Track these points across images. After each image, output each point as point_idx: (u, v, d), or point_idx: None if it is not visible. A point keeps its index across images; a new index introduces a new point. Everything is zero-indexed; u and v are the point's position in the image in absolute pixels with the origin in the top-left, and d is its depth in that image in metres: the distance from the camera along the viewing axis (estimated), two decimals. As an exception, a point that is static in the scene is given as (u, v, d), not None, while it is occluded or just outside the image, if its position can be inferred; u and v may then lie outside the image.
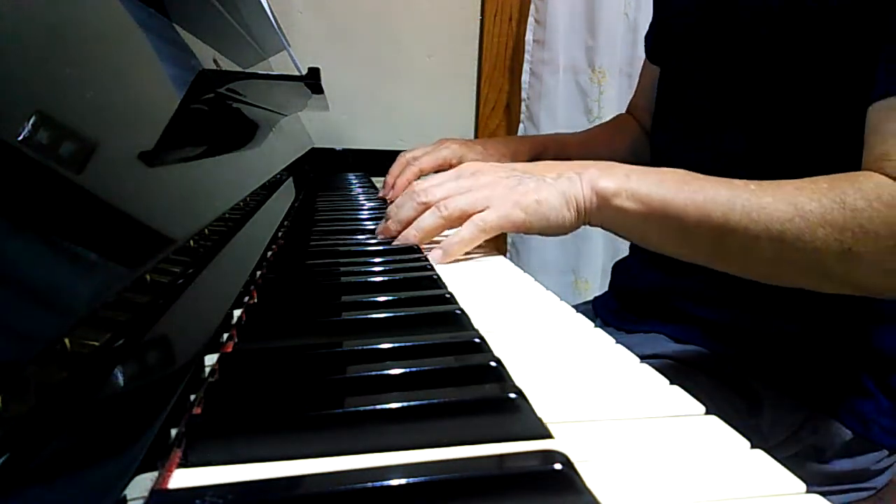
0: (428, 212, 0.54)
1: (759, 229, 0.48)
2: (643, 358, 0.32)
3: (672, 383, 0.29)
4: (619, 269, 0.84)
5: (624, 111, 0.99)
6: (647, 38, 0.91)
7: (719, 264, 0.53)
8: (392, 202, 0.83)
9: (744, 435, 0.24)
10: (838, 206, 0.46)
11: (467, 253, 0.56)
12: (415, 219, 0.55)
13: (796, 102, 0.59)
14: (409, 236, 0.55)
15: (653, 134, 0.82)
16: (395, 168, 0.84)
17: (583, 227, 0.55)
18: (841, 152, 0.54)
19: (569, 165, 0.55)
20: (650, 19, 0.91)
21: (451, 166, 0.82)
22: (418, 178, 0.83)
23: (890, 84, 0.50)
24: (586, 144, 0.92)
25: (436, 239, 0.56)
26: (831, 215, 0.46)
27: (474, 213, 0.52)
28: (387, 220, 0.58)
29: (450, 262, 0.53)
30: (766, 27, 0.60)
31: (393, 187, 0.82)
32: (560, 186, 0.53)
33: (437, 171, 0.84)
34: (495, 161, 0.82)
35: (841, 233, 0.46)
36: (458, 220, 0.53)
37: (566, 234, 0.55)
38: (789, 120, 0.60)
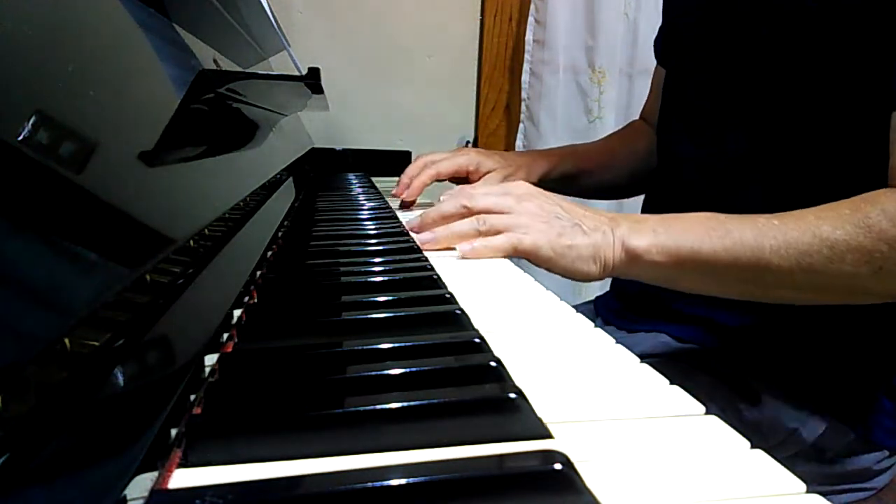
0: (467, 220, 0.56)
1: (791, 264, 0.50)
2: (644, 357, 0.32)
3: (672, 382, 0.29)
4: None
5: (623, 111, 1.00)
6: (656, 42, 0.91)
7: (754, 297, 0.55)
8: (405, 201, 0.84)
9: (744, 434, 0.24)
10: (864, 231, 0.48)
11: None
12: (453, 219, 0.57)
13: (798, 102, 0.59)
14: (442, 234, 0.56)
15: (658, 133, 0.82)
16: (412, 169, 0.85)
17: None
18: (843, 151, 0.54)
19: (604, 216, 0.56)
20: (650, 20, 0.91)
21: (468, 173, 0.83)
22: (434, 181, 0.85)
23: None
24: (603, 155, 0.93)
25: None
26: (857, 241, 0.48)
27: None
28: (427, 214, 0.60)
29: (450, 263, 0.53)
30: (766, 27, 0.60)
31: (409, 187, 0.83)
32: (594, 238, 0.54)
33: (453, 177, 0.85)
34: (512, 172, 0.84)
35: (870, 255, 0.48)
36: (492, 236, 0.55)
37: (585, 282, 0.56)
38: (791, 119, 0.60)
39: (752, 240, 0.51)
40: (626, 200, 1.38)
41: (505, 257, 0.54)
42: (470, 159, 0.83)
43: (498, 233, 0.54)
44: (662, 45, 0.89)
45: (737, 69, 0.65)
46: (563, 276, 0.55)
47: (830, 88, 0.57)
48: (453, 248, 0.57)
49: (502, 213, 0.55)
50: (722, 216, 0.53)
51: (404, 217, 0.68)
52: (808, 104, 0.58)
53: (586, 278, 0.55)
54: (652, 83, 0.95)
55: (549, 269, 0.54)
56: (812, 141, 0.59)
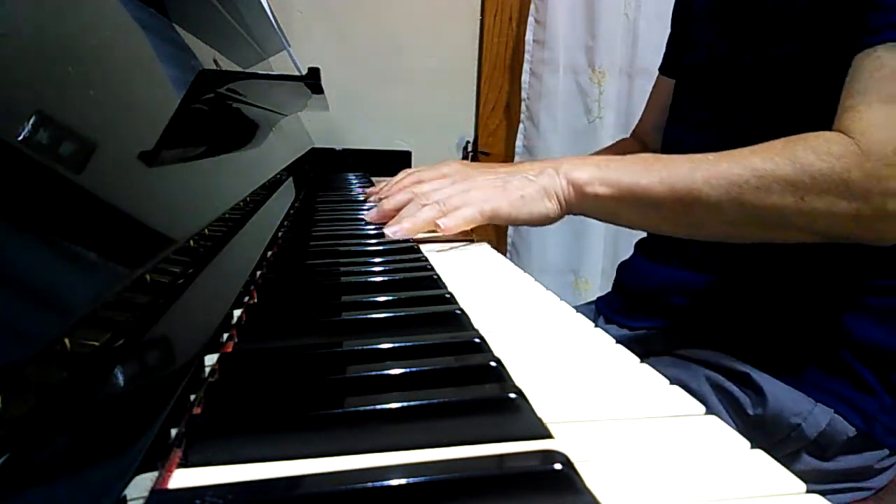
0: (428, 206, 0.59)
1: (720, 193, 0.53)
2: (646, 355, 0.33)
3: (675, 379, 0.29)
4: (623, 268, 0.85)
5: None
6: (665, 55, 0.92)
7: (690, 231, 0.59)
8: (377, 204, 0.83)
9: (749, 432, 0.24)
10: (790, 163, 0.51)
11: (467, 253, 0.56)
12: (411, 210, 0.60)
13: (805, 94, 0.61)
14: (404, 223, 0.59)
15: (667, 128, 0.83)
16: (394, 178, 0.84)
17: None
18: None
19: (545, 162, 0.61)
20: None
21: None
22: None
23: (868, 36, 0.53)
24: None
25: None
26: (783, 171, 0.51)
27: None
28: (380, 205, 0.64)
29: (450, 263, 0.54)
30: (783, 38, 0.63)
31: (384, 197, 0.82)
32: (541, 181, 0.59)
33: None
34: None
35: (794, 186, 0.51)
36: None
37: (552, 223, 0.60)
38: (798, 106, 0.61)
39: (687, 171, 0.54)
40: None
41: (475, 225, 0.58)
42: (454, 169, 0.82)
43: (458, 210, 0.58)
44: (672, 54, 0.89)
45: (745, 51, 0.67)
46: (529, 224, 0.60)
47: (837, 69, 0.57)
48: (433, 242, 0.61)
49: (456, 195, 0.59)
50: (664, 155, 0.58)
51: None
52: (815, 93, 0.59)
53: (547, 218, 0.59)
54: (651, 96, 0.96)
55: (514, 223, 0.60)
56: (819, 120, 0.60)
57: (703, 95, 0.74)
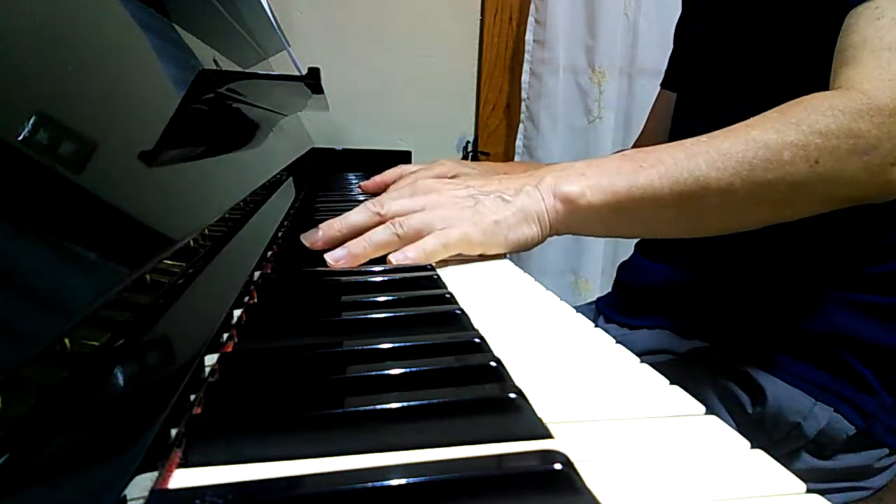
0: (382, 227, 0.50)
1: (730, 174, 0.48)
2: (646, 354, 0.32)
3: (675, 378, 0.29)
4: (624, 267, 0.85)
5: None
6: (667, 69, 0.92)
7: (698, 227, 0.53)
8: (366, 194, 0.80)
9: (749, 430, 0.24)
10: (794, 126, 0.48)
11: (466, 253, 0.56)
12: (365, 228, 0.51)
13: (803, 77, 0.60)
14: (359, 247, 0.49)
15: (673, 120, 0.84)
16: (387, 173, 0.82)
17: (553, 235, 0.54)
18: None
19: (523, 178, 0.53)
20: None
21: None
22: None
23: None
24: None
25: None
26: (790, 137, 0.47)
27: (430, 233, 0.50)
28: (326, 223, 0.52)
29: (450, 263, 0.53)
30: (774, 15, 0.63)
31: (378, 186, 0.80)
32: (519, 203, 0.51)
33: None
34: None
35: (805, 149, 0.47)
36: (414, 239, 0.50)
37: (530, 249, 0.53)
38: (794, 88, 0.62)
39: (685, 158, 0.49)
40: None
41: (438, 259, 0.50)
42: (449, 168, 0.79)
43: (418, 234, 0.50)
44: (674, 67, 0.91)
45: (743, 44, 0.67)
46: (507, 252, 0.52)
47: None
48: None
49: (415, 212, 0.51)
50: (648, 148, 0.52)
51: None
52: (814, 78, 0.59)
53: (528, 245, 0.52)
54: (652, 110, 0.96)
55: (487, 252, 0.51)
56: None
57: (703, 103, 0.74)
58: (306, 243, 0.52)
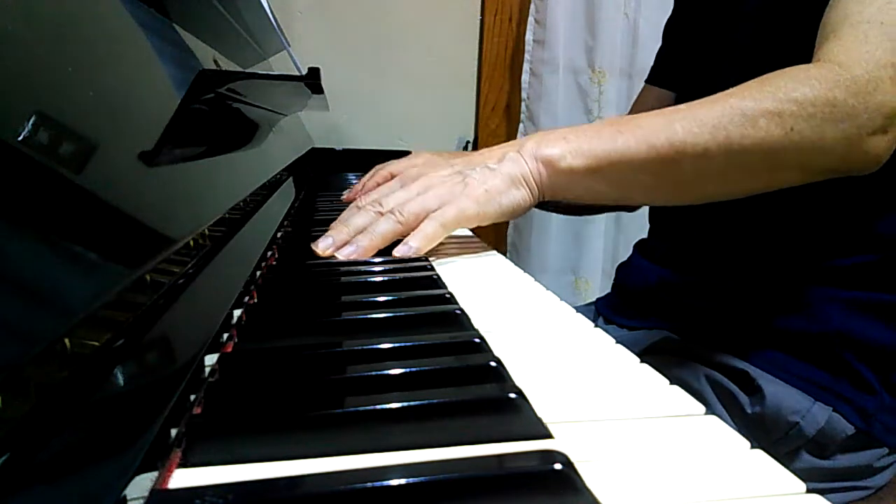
0: (383, 218, 0.53)
1: (705, 140, 0.49)
2: (645, 354, 0.32)
3: (675, 378, 0.29)
4: (623, 268, 0.85)
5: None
6: (654, 65, 0.93)
7: (675, 193, 0.55)
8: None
9: (748, 430, 0.24)
10: (770, 95, 0.49)
11: (467, 253, 0.56)
12: (367, 227, 0.53)
13: (792, 41, 0.61)
14: (364, 241, 0.51)
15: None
16: (366, 176, 0.81)
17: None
18: None
19: (505, 146, 0.56)
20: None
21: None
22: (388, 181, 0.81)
23: None
24: None
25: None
26: (766, 104, 0.48)
27: (430, 214, 0.52)
28: (333, 229, 0.54)
29: (449, 262, 0.53)
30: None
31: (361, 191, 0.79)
32: (504, 169, 0.53)
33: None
34: None
35: (779, 116, 0.48)
36: (416, 224, 0.52)
37: (524, 212, 0.55)
38: (786, 57, 0.62)
39: (663, 124, 0.50)
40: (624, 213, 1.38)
41: (440, 239, 0.52)
42: (427, 160, 0.77)
43: (418, 218, 0.52)
44: (662, 65, 0.91)
45: (735, 9, 0.68)
46: (503, 219, 0.54)
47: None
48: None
49: (411, 200, 0.53)
50: (630, 115, 0.53)
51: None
52: (801, 37, 0.60)
53: (522, 208, 0.54)
54: (633, 107, 0.96)
55: (484, 222, 0.53)
56: None
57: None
58: (319, 252, 0.53)
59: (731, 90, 0.51)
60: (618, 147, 0.51)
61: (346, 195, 0.83)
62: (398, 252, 0.51)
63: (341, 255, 0.51)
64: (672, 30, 0.89)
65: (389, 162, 0.79)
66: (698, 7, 0.79)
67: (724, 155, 0.49)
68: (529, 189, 0.53)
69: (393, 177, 0.65)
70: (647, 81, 0.93)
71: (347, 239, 0.53)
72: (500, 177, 0.53)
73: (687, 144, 0.49)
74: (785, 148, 0.48)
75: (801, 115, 0.48)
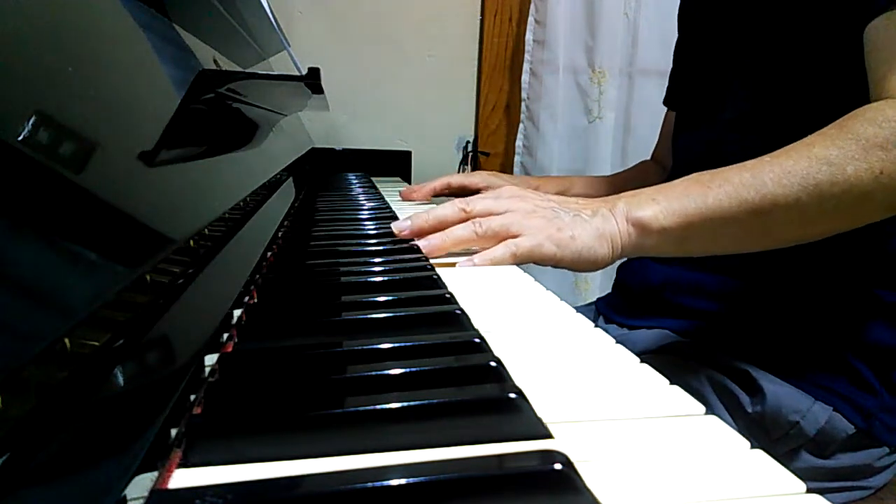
0: (463, 224, 0.54)
1: (796, 191, 0.49)
2: (645, 353, 0.32)
3: (675, 378, 0.29)
4: (623, 268, 0.85)
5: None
6: (668, 87, 0.95)
7: (765, 242, 0.55)
8: (408, 197, 0.87)
9: (748, 430, 0.24)
10: (853, 141, 0.49)
11: (466, 253, 0.56)
12: (450, 223, 0.55)
13: (796, 62, 0.61)
14: (437, 240, 0.54)
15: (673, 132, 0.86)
16: (431, 182, 0.90)
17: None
18: (844, 105, 0.55)
19: (598, 201, 0.56)
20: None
21: (478, 190, 0.86)
22: (444, 193, 0.89)
23: (878, 2, 0.52)
24: (614, 186, 0.95)
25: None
26: (852, 151, 0.49)
27: (507, 237, 0.52)
28: (416, 214, 0.57)
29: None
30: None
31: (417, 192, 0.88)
32: (595, 223, 0.53)
33: (463, 190, 0.89)
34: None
35: (867, 161, 0.48)
36: (491, 241, 0.53)
37: (598, 269, 0.54)
38: (790, 79, 0.62)
39: (751, 178, 0.51)
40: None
41: (509, 264, 0.52)
42: (483, 178, 0.88)
43: (496, 236, 0.53)
44: (673, 87, 0.93)
45: (740, 32, 0.68)
46: (574, 268, 0.53)
47: (828, 46, 0.58)
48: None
49: (498, 214, 0.54)
50: (714, 171, 0.53)
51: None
52: (808, 63, 0.60)
53: (598, 264, 0.53)
54: (663, 126, 0.99)
55: (556, 266, 0.53)
56: (811, 99, 0.60)
57: (700, 122, 0.76)
58: (395, 230, 0.57)
59: (808, 139, 0.51)
60: (709, 204, 0.51)
61: (405, 192, 0.91)
62: (460, 265, 0.52)
63: (422, 245, 0.53)
64: (679, 53, 0.90)
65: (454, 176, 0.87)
66: (702, 31, 0.79)
67: (816, 203, 0.50)
68: (612, 248, 0.53)
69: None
70: (664, 103, 0.96)
71: (424, 225, 0.55)
72: (590, 230, 0.53)
73: (778, 196, 0.50)
74: (875, 191, 0.49)
75: (888, 159, 0.48)
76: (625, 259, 0.87)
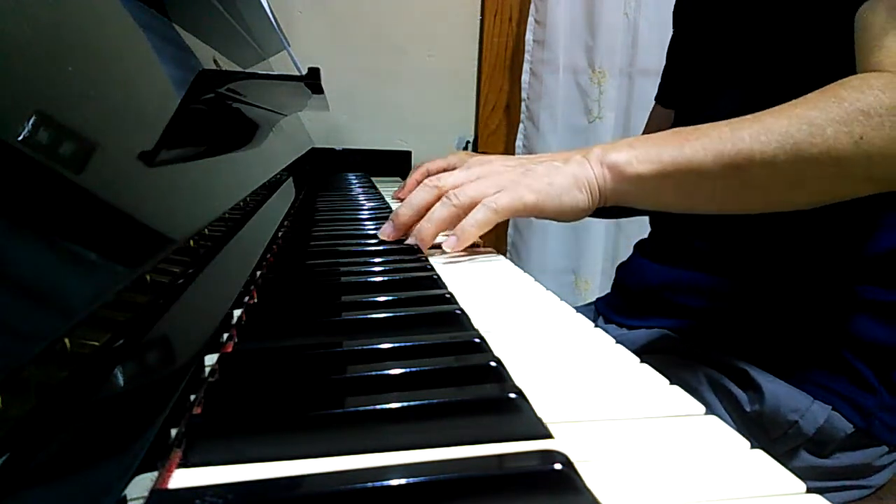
0: (439, 203, 0.54)
1: (773, 148, 0.48)
2: (645, 353, 0.32)
3: (675, 378, 0.29)
4: (623, 268, 0.85)
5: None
6: (661, 84, 0.94)
7: (745, 200, 0.54)
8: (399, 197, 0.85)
9: (747, 429, 0.24)
10: (836, 104, 0.48)
11: (467, 253, 0.56)
12: (428, 205, 0.55)
13: (789, 61, 0.61)
14: (423, 229, 0.54)
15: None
16: (410, 175, 0.88)
17: (585, 222, 0.56)
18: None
19: (571, 151, 0.56)
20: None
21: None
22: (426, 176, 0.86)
23: None
24: None
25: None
26: (833, 113, 0.47)
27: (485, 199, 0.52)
28: (395, 212, 0.57)
29: (450, 262, 0.53)
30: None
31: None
32: (570, 169, 0.53)
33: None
34: None
35: (848, 124, 0.47)
36: (471, 208, 0.53)
37: (580, 217, 0.54)
38: (783, 77, 0.62)
39: (729, 132, 0.50)
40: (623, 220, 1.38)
41: (493, 225, 0.52)
42: (459, 158, 0.84)
43: (474, 203, 0.52)
44: (666, 85, 0.92)
45: (735, 33, 0.68)
46: (556, 216, 0.53)
47: (822, 45, 0.58)
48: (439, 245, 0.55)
49: (470, 182, 0.54)
50: (695, 126, 0.53)
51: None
52: (800, 61, 0.59)
53: (578, 211, 0.53)
54: (649, 122, 0.98)
55: (540, 216, 0.53)
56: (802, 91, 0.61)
57: (696, 120, 0.76)
58: (383, 237, 0.56)
59: (794, 101, 0.50)
60: (685, 154, 0.51)
61: (395, 192, 0.88)
62: (446, 246, 0.52)
63: (427, 245, 0.53)
64: (672, 51, 0.90)
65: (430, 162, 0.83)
66: (696, 28, 0.79)
67: (792, 163, 0.49)
68: (591, 194, 0.53)
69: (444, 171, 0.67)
70: (655, 100, 0.95)
71: (405, 220, 0.55)
72: (566, 175, 0.52)
73: (755, 152, 0.49)
74: (854, 157, 0.48)
75: (868, 125, 0.47)
76: (623, 260, 0.87)
